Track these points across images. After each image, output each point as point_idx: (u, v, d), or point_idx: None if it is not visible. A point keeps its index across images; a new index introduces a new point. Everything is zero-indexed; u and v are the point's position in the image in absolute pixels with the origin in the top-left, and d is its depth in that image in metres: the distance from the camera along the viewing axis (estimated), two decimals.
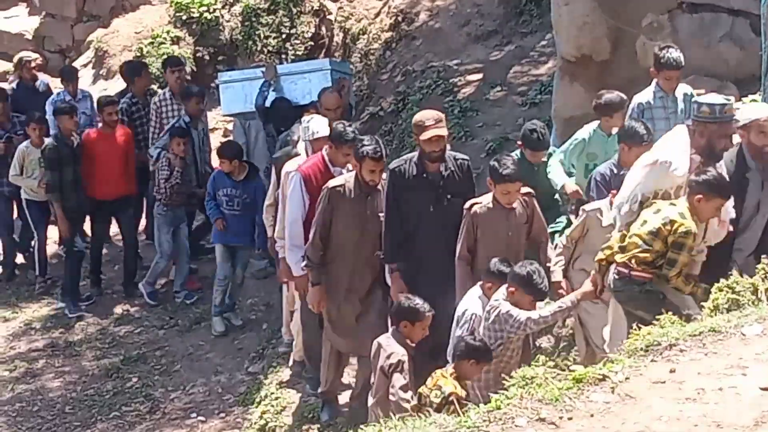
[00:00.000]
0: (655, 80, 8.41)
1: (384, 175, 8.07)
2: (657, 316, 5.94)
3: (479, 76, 12.73)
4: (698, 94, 7.97)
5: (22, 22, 17.65)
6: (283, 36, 15.41)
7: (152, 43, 15.27)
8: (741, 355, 5.11)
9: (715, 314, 5.86)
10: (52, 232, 12.39)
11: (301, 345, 9.14)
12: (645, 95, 8.40)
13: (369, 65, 14.25)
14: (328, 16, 15.62)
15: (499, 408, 4.84)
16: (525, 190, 7.62)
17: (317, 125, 8.98)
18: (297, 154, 9.20)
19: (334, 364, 8.50)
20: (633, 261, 6.65)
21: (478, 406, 5.02)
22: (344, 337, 8.31)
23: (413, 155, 7.97)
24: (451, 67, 13.00)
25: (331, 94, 10.50)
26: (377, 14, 14.78)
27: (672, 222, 6.55)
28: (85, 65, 15.86)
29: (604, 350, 6.88)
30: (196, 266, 12.04)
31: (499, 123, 11.70)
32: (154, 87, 13.09)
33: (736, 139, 7.28)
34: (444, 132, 7.86)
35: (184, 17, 15.57)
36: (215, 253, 11.06)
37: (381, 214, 8.02)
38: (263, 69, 12.06)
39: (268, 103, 11.54)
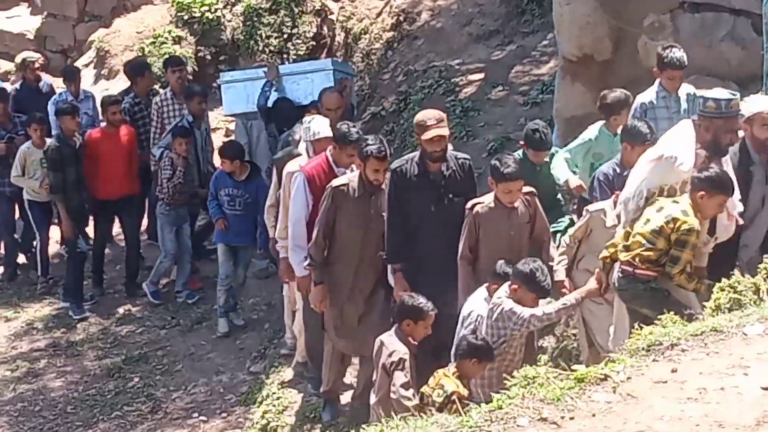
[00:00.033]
0: (658, 80, 8.40)
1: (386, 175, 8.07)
2: (661, 314, 5.94)
3: (481, 75, 12.72)
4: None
5: (23, 22, 17.66)
6: (285, 36, 15.43)
7: (154, 42, 15.29)
8: (743, 354, 5.10)
9: (717, 314, 5.86)
10: (54, 232, 12.41)
11: (303, 346, 9.14)
12: (648, 95, 8.39)
13: (371, 65, 14.25)
14: (329, 16, 15.63)
15: (500, 408, 4.84)
16: (527, 189, 7.61)
17: (318, 126, 8.96)
18: (298, 155, 9.19)
19: (336, 364, 8.50)
20: (637, 259, 6.66)
21: (480, 406, 5.03)
22: (346, 338, 8.30)
23: (415, 155, 7.96)
24: (452, 66, 12.99)
25: (332, 94, 10.51)
26: (379, 14, 14.78)
27: (675, 220, 6.56)
28: (86, 65, 15.87)
29: (609, 351, 6.88)
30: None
31: (501, 123, 11.69)
32: (157, 87, 13.09)
33: (742, 134, 7.29)
34: (445, 132, 7.86)
35: (185, 17, 15.58)
36: (217, 253, 11.07)
37: (384, 214, 8.02)
38: (265, 69, 12.07)
39: (270, 103, 11.54)
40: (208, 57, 15.51)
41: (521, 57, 12.77)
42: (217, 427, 9.50)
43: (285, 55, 15.26)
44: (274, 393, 9.30)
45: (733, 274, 6.16)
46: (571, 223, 8.24)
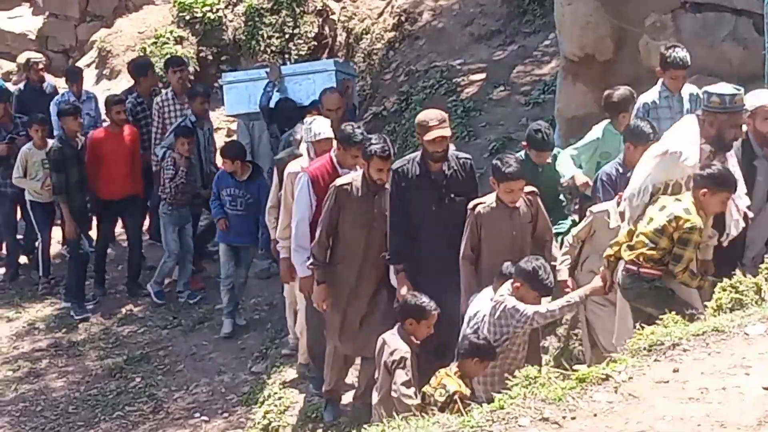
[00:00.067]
0: (660, 80, 8.38)
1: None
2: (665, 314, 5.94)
3: (482, 75, 12.72)
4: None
5: (25, 22, 17.68)
6: (286, 36, 15.43)
7: (155, 43, 15.29)
8: (744, 354, 5.10)
9: (719, 314, 5.86)
10: (56, 233, 12.41)
11: (305, 347, 9.13)
12: (650, 95, 8.38)
13: (372, 65, 14.25)
14: (331, 16, 15.64)
15: (502, 408, 4.84)
16: (529, 188, 7.61)
17: (320, 127, 8.93)
18: (299, 155, 9.18)
19: (338, 364, 8.49)
20: (641, 258, 6.67)
21: (482, 406, 5.03)
22: (348, 338, 8.29)
23: (416, 155, 7.96)
24: (454, 66, 12.99)
25: (332, 94, 10.49)
26: (380, 14, 14.78)
27: (677, 218, 6.58)
28: (88, 65, 15.87)
29: (612, 351, 6.87)
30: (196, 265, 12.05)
31: (502, 123, 11.69)
32: (160, 87, 13.09)
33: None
34: (447, 132, 7.85)
35: (187, 17, 15.58)
36: (219, 253, 11.07)
37: (387, 214, 8.02)
38: (267, 70, 12.06)
39: (272, 104, 11.54)
40: (210, 57, 15.51)
41: (523, 57, 12.77)
42: (218, 427, 9.50)
43: (286, 56, 15.26)
44: (275, 393, 9.30)
45: (734, 274, 6.16)
46: (573, 224, 8.24)
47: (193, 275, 11.81)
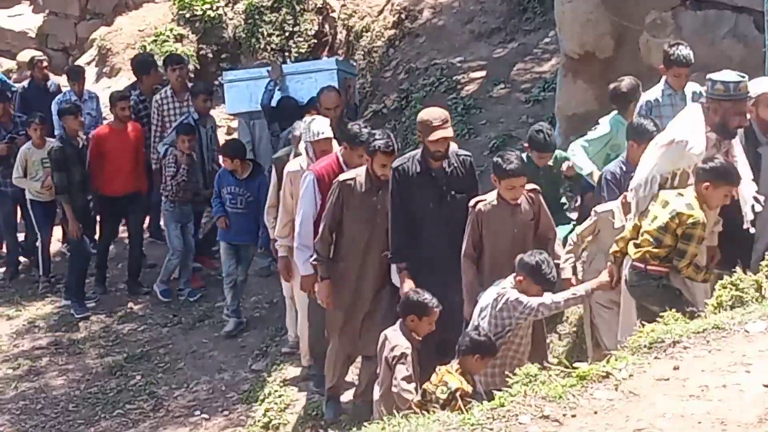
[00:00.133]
0: (664, 77, 8.37)
1: None
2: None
3: (482, 73, 12.73)
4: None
5: (25, 20, 17.67)
6: (287, 34, 15.42)
7: (155, 41, 15.27)
8: (745, 352, 5.10)
9: (719, 311, 5.85)
10: (56, 231, 12.40)
11: (308, 350, 9.12)
12: (653, 93, 8.36)
13: (372, 63, 14.25)
14: (331, 14, 15.63)
15: (502, 405, 4.84)
16: (531, 186, 7.59)
17: (319, 126, 8.86)
18: (299, 154, 9.15)
19: (340, 362, 8.49)
20: (647, 255, 6.67)
21: (482, 403, 5.02)
22: (350, 337, 8.28)
23: (416, 153, 7.94)
24: (454, 64, 12.99)
25: (330, 93, 10.44)
26: (380, 11, 14.78)
27: (679, 215, 6.58)
28: (88, 63, 15.86)
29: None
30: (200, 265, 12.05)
31: (503, 120, 11.69)
32: (162, 86, 13.07)
33: None
34: (450, 133, 7.83)
35: (187, 15, 15.58)
36: (220, 251, 11.07)
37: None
38: (269, 68, 12.05)
39: (273, 102, 11.52)
40: (210, 55, 15.50)
41: (523, 54, 12.77)
42: (219, 425, 9.50)
43: (287, 53, 15.26)
44: (276, 391, 9.30)
45: (735, 271, 6.15)
46: (575, 228, 8.21)
47: (194, 273, 11.81)
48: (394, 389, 6.86)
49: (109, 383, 10.38)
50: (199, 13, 15.54)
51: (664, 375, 4.96)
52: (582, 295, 7.08)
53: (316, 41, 15.47)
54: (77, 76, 13.05)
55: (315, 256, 8.22)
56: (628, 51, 9.83)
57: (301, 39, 15.40)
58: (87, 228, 11.75)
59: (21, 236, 12.62)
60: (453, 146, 7.97)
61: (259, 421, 9.13)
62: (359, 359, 8.60)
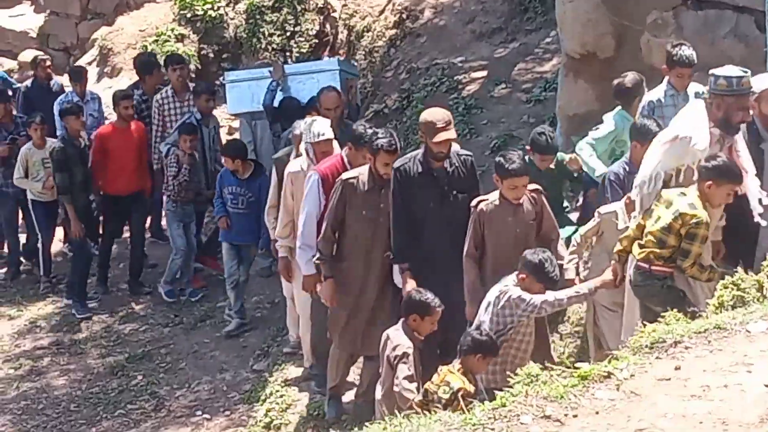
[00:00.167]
0: (666, 78, 8.36)
1: None
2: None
3: (484, 73, 12.73)
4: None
5: (26, 20, 17.68)
6: (288, 34, 15.43)
7: (156, 40, 15.27)
8: (746, 352, 5.10)
9: (721, 311, 5.85)
10: (57, 232, 12.39)
11: (310, 352, 9.13)
12: (656, 93, 8.35)
13: (373, 63, 14.25)
14: (332, 14, 15.63)
15: (504, 405, 4.84)
16: (533, 186, 7.59)
17: (320, 128, 8.83)
18: (299, 154, 9.14)
19: (343, 362, 8.49)
20: (651, 256, 6.68)
21: (484, 403, 5.02)
22: (352, 337, 8.28)
23: (417, 153, 7.94)
24: (455, 64, 12.99)
25: (330, 93, 10.41)
26: (381, 11, 14.78)
27: (682, 215, 6.58)
28: (89, 63, 15.86)
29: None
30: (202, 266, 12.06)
31: (504, 120, 11.69)
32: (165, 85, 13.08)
33: None
34: (453, 135, 7.83)
35: (188, 15, 15.58)
36: (221, 251, 11.07)
37: None
38: (270, 69, 12.05)
39: (276, 103, 11.52)
40: (211, 55, 15.51)
41: (524, 54, 12.77)
42: (220, 425, 9.50)
43: (288, 53, 15.26)
44: (277, 391, 9.30)
45: (736, 271, 6.15)
46: (578, 229, 8.21)
47: (195, 273, 11.81)
48: (395, 389, 6.86)
49: (111, 383, 10.39)
50: (200, 13, 15.54)
51: (666, 375, 4.96)
52: (585, 293, 7.08)
53: (317, 41, 15.47)
54: (79, 77, 13.06)
55: (318, 255, 8.22)
56: (629, 51, 9.83)
57: (302, 39, 15.40)
58: (89, 228, 11.75)
59: (23, 238, 12.62)
60: (454, 146, 7.96)
61: (260, 421, 9.13)
62: (361, 359, 8.60)
